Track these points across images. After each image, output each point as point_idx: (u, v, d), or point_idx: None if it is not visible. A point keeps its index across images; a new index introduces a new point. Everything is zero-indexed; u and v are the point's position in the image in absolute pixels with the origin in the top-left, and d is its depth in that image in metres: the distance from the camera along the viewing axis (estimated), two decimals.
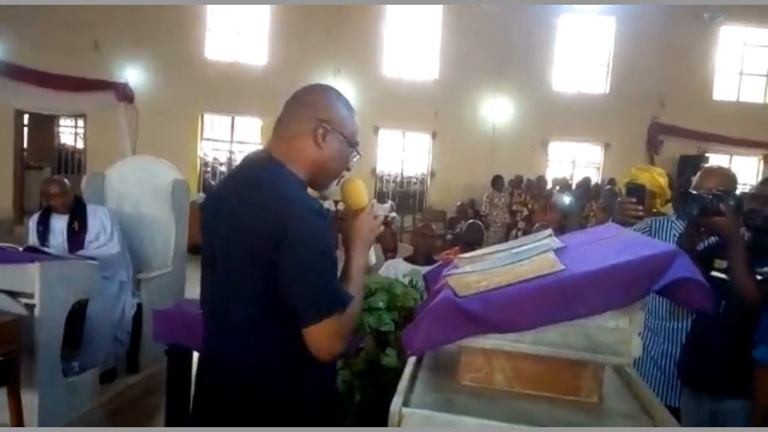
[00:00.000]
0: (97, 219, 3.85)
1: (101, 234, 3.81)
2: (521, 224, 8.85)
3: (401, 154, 12.27)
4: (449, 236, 9.16)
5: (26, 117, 11.23)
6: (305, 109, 1.43)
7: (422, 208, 11.76)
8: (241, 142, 11.91)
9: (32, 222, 3.90)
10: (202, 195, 10.10)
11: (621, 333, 1.24)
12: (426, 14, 11.73)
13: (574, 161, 12.38)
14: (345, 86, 11.00)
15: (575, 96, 11.74)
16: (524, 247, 1.56)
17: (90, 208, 3.90)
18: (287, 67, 10.66)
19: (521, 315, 1.23)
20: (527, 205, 9.22)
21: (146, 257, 4.21)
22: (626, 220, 2.05)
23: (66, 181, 3.92)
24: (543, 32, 11.61)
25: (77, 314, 3.34)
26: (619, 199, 2.27)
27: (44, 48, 9.97)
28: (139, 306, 3.96)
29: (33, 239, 3.78)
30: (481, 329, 1.26)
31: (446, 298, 1.24)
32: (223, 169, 11.95)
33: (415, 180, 12.42)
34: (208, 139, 11.89)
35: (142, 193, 4.31)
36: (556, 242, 1.53)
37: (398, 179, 12.32)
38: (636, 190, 2.13)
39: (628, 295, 1.22)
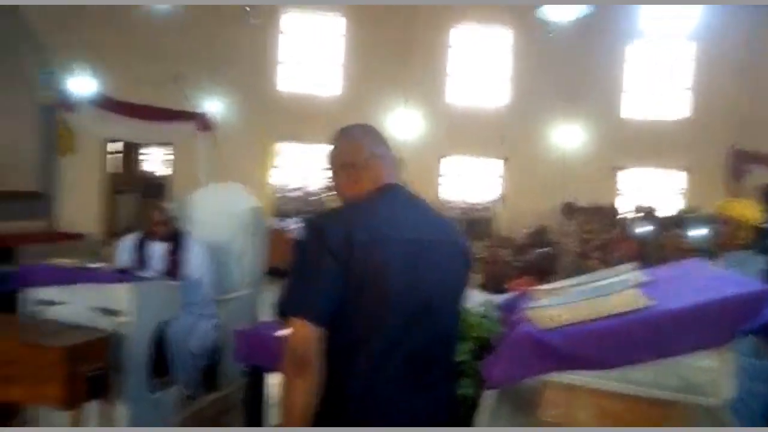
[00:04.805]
0: (194, 254, 3.91)
1: (194, 269, 3.88)
2: (595, 253, 8.57)
3: (468, 180, 12.23)
4: (518, 264, 8.99)
5: (116, 145, 12.03)
6: None
7: (490, 235, 11.62)
8: (311, 169, 12.25)
9: (128, 245, 4.00)
10: (276, 220, 10.41)
11: (713, 372, 1.20)
12: (495, 41, 11.76)
13: (650, 188, 11.92)
14: (413, 115, 11.15)
15: (650, 122, 11.37)
16: (606, 281, 1.53)
17: (187, 241, 3.96)
18: (357, 97, 10.93)
19: (606, 352, 1.22)
20: (600, 234, 8.94)
21: (225, 279, 4.37)
22: (676, 252, 2.00)
23: (169, 209, 4.03)
24: (614, 57, 11.37)
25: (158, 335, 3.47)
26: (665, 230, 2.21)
27: (132, 80, 10.70)
28: (218, 326, 4.09)
29: (127, 262, 3.86)
30: (563, 365, 1.25)
31: (526, 332, 1.25)
32: (295, 195, 12.27)
33: (482, 207, 12.31)
34: (280, 167, 12.28)
35: (222, 219, 4.47)
36: (640, 277, 1.50)
37: (465, 206, 12.26)
38: (689, 222, 2.06)
39: (720, 335, 1.18)
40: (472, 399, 1.79)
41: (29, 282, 3.33)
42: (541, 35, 9.87)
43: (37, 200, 11.37)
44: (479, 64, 11.83)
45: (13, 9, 10.09)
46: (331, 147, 1.61)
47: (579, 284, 1.63)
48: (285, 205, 11.71)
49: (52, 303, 3.20)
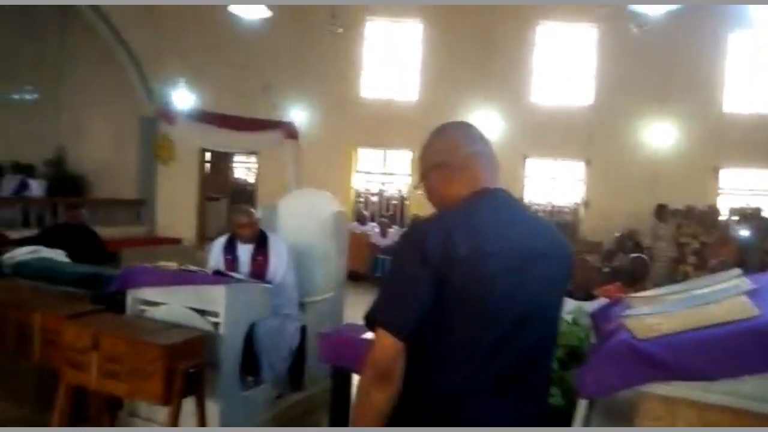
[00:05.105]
0: (278, 253, 4.01)
1: (279, 268, 3.99)
2: (691, 259, 8.08)
3: (552, 182, 11.90)
4: (606, 269, 8.63)
5: (208, 154, 12.69)
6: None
7: (576, 239, 11.22)
8: (390, 174, 12.36)
9: (217, 248, 4.13)
10: (356, 224, 10.59)
11: None
12: (580, 38, 11.40)
13: (752, 189, 11.07)
14: (494, 116, 11.01)
15: (754, 118, 10.55)
16: (709, 289, 1.44)
17: (272, 242, 4.05)
18: (437, 101, 10.92)
19: (711, 363, 1.14)
20: (697, 238, 8.42)
21: (311, 282, 4.47)
22: None
23: (254, 211, 4.13)
24: (712, 51, 10.66)
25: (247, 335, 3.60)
26: None
27: (224, 92, 11.27)
28: (303, 328, 4.20)
29: (219, 265, 3.99)
30: (663, 375, 1.19)
31: (624, 341, 1.20)
32: (375, 199, 12.41)
33: (567, 209, 11.93)
34: (360, 172, 12.48)
35: (307, 223, 4.59)
36: (747, 283, 1.40)
37: (548, 209, 11.92)
38: None
39: None
40: (562, 409, 1.74)
41: (131, 283, 3.57)
42: (628, 30, 9.45)
43: (139, 207, 12.22)
44: (563, 63, 11.50)
45: (113, 25, 10.85)
46: (425, 146, 1.51)
47: (677, 292, 1.54)
48: (364, 210, 11.89)
49: (154, 303, 3.43)
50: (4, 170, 11.41)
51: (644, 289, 3.52)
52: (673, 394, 1.21)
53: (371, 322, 1.32)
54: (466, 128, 1.52)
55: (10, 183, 11.00)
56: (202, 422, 3.16)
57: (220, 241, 4.20)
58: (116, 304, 3.56)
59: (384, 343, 1.27)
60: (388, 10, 11.66)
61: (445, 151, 1.45)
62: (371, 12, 11.68)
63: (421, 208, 10.46)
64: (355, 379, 3.29)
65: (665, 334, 1.20)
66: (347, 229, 5.01)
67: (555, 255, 1.40)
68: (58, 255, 4.64)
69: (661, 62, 10.41)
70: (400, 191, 12.30)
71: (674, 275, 8.07)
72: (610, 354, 1.21)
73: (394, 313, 1.28)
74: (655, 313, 1.31)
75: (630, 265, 4.13)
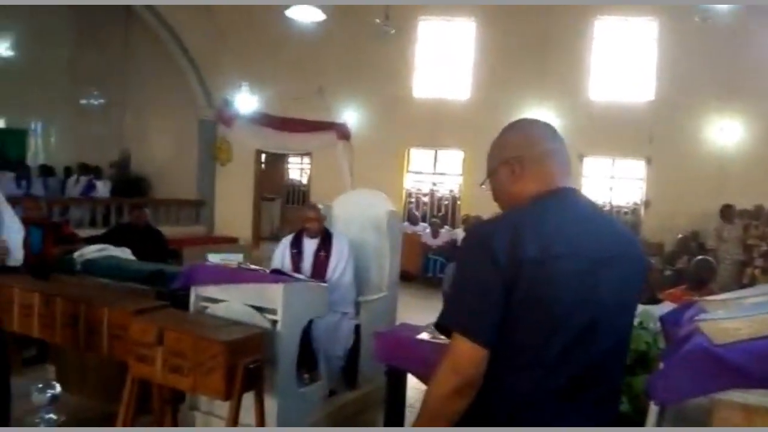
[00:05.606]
0: (340, 250, 4.18)
1: (339, 264, 4.14)
2: (759, 261, 7.68)
3: (610, 182, 11.56)
4: (668, 272, 8.32)
5: (263, 155, 12.99)
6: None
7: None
8: (441, 174, 12.28)
9: (284, 244, 4.36)
10: (407, 224, 10.59)
11: None
12: (640, 32, 11.02)
13: None
14: (549, 115, 10.78)
15: None
16: None
17: (335, 239, 4.25)
18: (489, 100, 10.78)
19: None
20: (766, 240, 8.00)
21: (365, 282, 4.52)
22: None
23: (321, 207, 4.35)
24: None
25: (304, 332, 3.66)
26: None
27: (279, 95, 11.49)
28: (357, 327, 4.24)
29: (285, 260, 4.22)
30: (742, 383, 1.14)
31: (700, 346, 1.15)
32: (426, 200, 12.37)
33: (626, 210, 11.57)
34: (411, 172, 12.46)
35: (361, 223, 4.66)
36: None
37: (607, 209, 11.58)
38: None
39: None
40: (630, 417, 1.69)
41: (194, 280, 3.68)
42: (690, 23, 9.08)
43: (198, 207, 12.63)
44: (622, 58, 11.14)
45: (174, 31, 11.25)
46: (497, 141, 1.45)
47: (755, 295, 1.47)
48: (416, 210, 11.86)
49: (215, 300, 3.53)
50: (72, 172, 11.99)
51: (711, 292, 3.37)
52: (752, 402, 1.15)
53: (445, 327, 1.28)
54: (543, 125, 1.46)
55: (79, 184, 11.56)
56: (261, 417, 3.22)
57: (288, 239, 4.41)
58: (179, 300, 3.68)
59: (465, 350, 1.22)
60: (441, 9, 11.59)
61: (521, 146, 1.39)
62: (424, 12, 11.63)
63: (473, 208, 10.37)
64: (411, 379, 3.30)
65: (744, 339, 1.14)
66: (400, 229, 5.02)
67: (629, 258, 1.33)
68: (125, 253, 4.83)
69: (726, 56, 9.93)
70: (451, 191, 12.21)
71: (741, 278, 7.70)
72: (684, 360, 1.16)
73: (471, 318, 1.23)
74: (733, 317, 1.26)
75: (695, 268, 3.96)
